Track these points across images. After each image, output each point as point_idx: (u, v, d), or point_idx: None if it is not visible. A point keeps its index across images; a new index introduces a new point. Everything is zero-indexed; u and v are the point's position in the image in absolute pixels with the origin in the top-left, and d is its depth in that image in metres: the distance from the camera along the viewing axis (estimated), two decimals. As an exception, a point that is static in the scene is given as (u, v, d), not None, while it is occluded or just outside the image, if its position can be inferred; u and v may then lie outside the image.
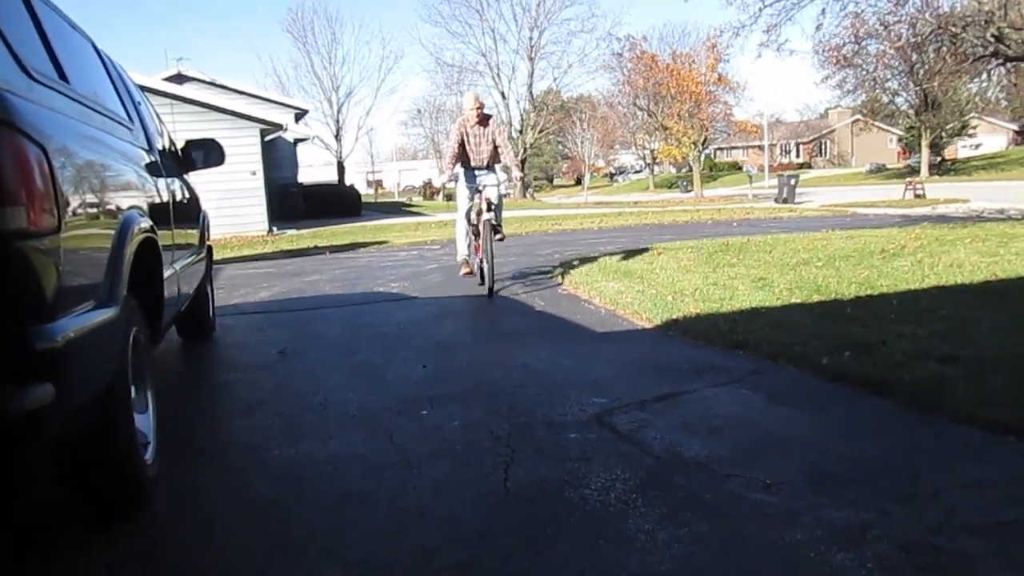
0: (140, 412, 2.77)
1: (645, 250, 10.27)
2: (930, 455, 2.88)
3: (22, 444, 1.87)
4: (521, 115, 48.61)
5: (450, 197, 52.83)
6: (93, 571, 2.30)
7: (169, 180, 4.12)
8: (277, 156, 24.02)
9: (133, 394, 2.62)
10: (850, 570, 2.06)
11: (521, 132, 48.01)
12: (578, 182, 61.44)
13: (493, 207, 7.39)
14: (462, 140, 7.55)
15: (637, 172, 72.31)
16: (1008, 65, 18.40)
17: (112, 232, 2.50)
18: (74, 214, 2.12)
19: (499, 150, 7.72)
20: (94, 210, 2.40)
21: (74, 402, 2.01)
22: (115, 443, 2.38)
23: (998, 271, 6.82)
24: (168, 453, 3.03)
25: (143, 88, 5.15)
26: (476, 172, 7.70)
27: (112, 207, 2.60)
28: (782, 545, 2.22)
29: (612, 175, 77.37)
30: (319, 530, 2.45)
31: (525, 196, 47.88)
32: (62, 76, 2.61)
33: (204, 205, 5.75)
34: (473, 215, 7.65)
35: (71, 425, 2.14)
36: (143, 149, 3.73)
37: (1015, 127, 61.51)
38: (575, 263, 9.28)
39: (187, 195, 4.78)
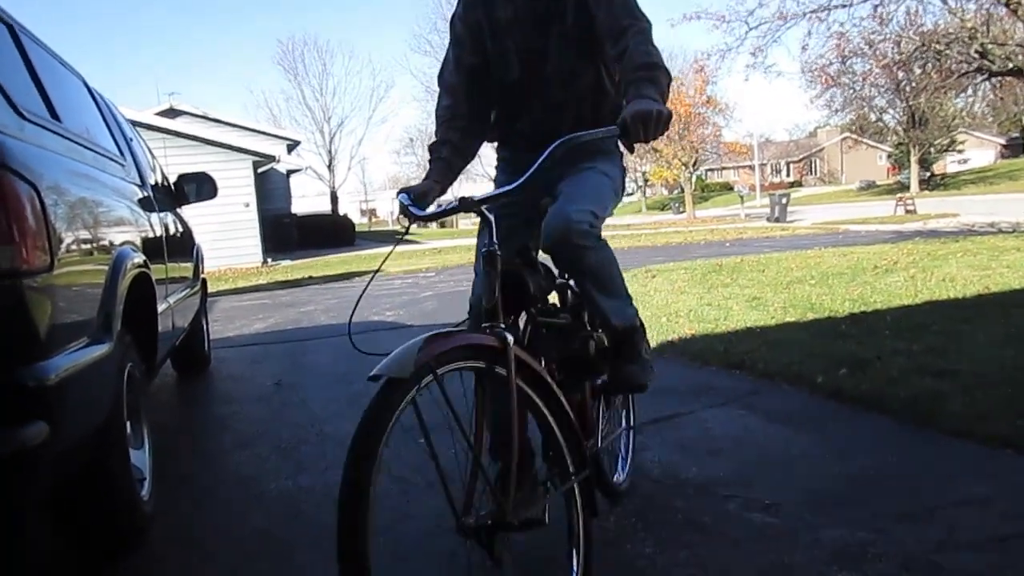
0: (136, 448, 2.76)
1: (638, 272, 10.28)
2: (928, 471, 2.87)
3: (16, 483, 1.86)
4: (513, 141, 48.78)
5: (444, 224, 52.89)
6: (90, 610, 2.28)
7: (162, 214, 4.13)
8: (270, 187, 24.10)
9: (128, 430, 2.61)
10: (851, 589, 2.05)
11: (513, 158, 48.15)
12: (571, 206, 61.53)
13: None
14: (473, 62, 2.43)
15: (629, 195, 72.51)
16: (993, 80, 18.57)
17: (105, 268, 2.50)
18: (67, 251, 2.13)
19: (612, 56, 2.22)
20: (87, 247, 2.40)
21: (68, 440, 2.00)
22: (111, 480, 2.37)
23: (990, 284, 6.85)
24: (165, 489, 3.01)
25: (135, 123, 5.18)
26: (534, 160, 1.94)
27: (105, 243, 2.60)
28: (782, 566, 2.21)
29: (604, 198, 77.54)
30: (317, 563, 2.44)
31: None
32: (53, 115, 2.62)
33: (198, 238, 5.75)
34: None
35: (66, 463, 2.13)
36: (135, 184, 3.74)
37: (1002, 141, 61.98)
38: (569, 287, 9.27)
39: (180, 229, 4.79)
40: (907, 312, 5.85)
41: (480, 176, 54.27)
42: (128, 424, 2.61)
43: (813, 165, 70.07)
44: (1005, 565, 2.14)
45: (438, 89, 2.52)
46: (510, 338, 1.84)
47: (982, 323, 5.13)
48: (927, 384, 3.80)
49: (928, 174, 47.02)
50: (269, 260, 18.52)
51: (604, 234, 2.21)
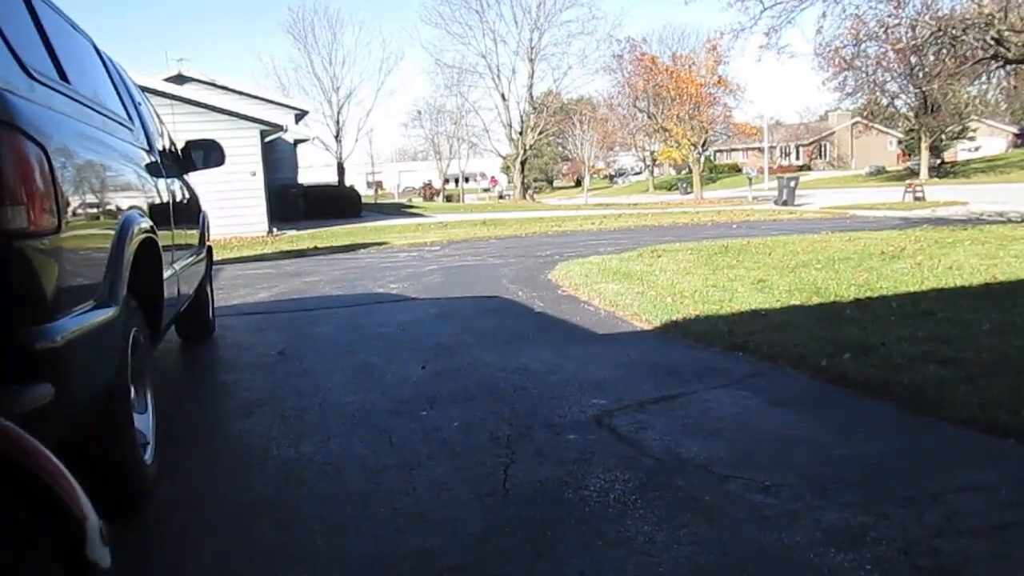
0: (140, 412, 2.77)
1: (644, 252, 10.26)
2: (930, 457, 2.88)
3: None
4: (521, 116, 48.59)
5: (450, 198, 52.84)
6: (92, 571, 2.29)
7: (169, 180, 4.12)
8: (277, 157, 24.01)
9: (132, 394, 2.61)
10: (849, 572, 2.06)
11: (521, 133, 48.01)
12: (578, 184, 61.45)
13: None
14: None
15: (637, 174, 72.29)
16: (1008, 68, 18.42)
17: (112, 232, 2.50)
18: (74, 214, 2.12)
19: None
20: (94, 210, 2.40)
21: (73, 402, 2.01)
22: (114, 443, 2.38)
23: (997, 273, 6.82)
24: (168, 453, 3.03)
25: (143, 88, 5.15)
26: None
27: (112, 207, 2.60)
28: (781, 547, 2.21)
29: (612, 177, 77.36)
30: (319, 531, 2.45)
31: (525, 197, 47.90)
32: (63, 76, 2.61)
33: (204, 205, 5.74)
34: None
35: (70, 425, 2.14)
36: (143, 149, 3.72)
37: (1014, 130, 61.50)
38: (574, 265, 9.27)
39: (187, 195, 4.78)
40: (913, 299, 5.83)
41: (488, 151, 54.29)
42: (132, 389, 2.61)
43: (823, 149, 69.62)
44: (1005, 551, 2.14)
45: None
46: None
47: (988, 312, 5.11)
48: (931, 371, 3.80)
49: (938, 161, 46.76)
50: (275, 230, 18.49)
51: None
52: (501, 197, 51.24)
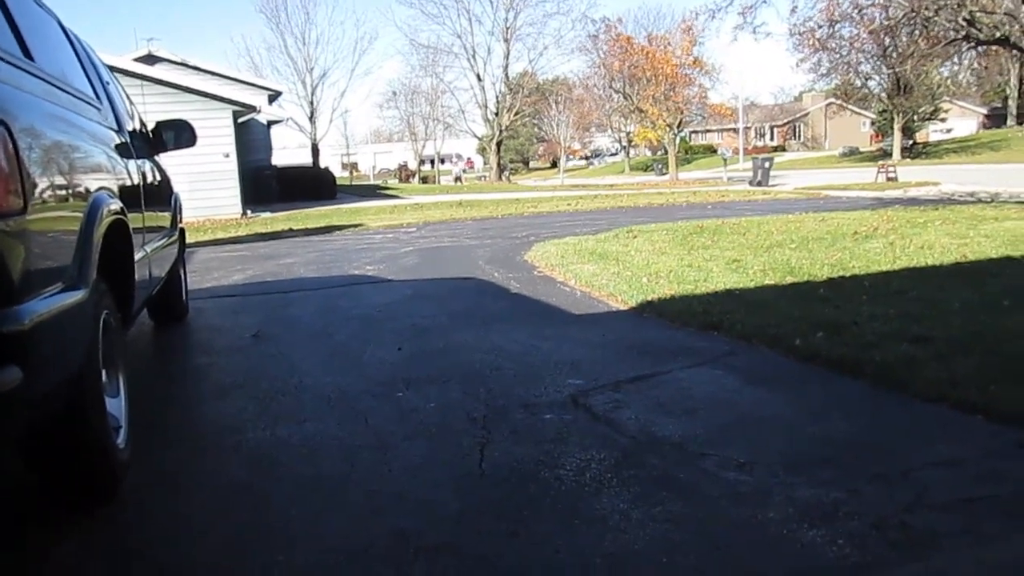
0: (112, 396, 2.74)
1: (620, 232, 10.28)
2: (901, 434, 2.92)
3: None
4: (497, 97, 48.36)
5: (426, 180, 52.40)
6: (64, 558, 2.27)
7: (139, 161, 4.06)
8: (251, 138, 23.75)
9: (104, 378, 2.58)
10: (821, 547, 2.08)
11: (497, 114, 47.79)
12: (554, 165, 61.40)
13: None
14: None
15: (613, 155, 72.28)
16: (979, 49, 18.57)
17: (81, 214, 2.46)
18: (41, 195, 2.08)
19: None
20: (62, 191, 2.35)
21: (42, 386, 1.97)
22: (86, 428, 2.35)
23: (968, 253, 6.91)
24: (140, 437, 3.00)
25: (112, 68, 5.06)
26: None
27: (81, 188, 2.55)
28: (755, 523, 2.24)
29: (588, 158, 77.32)
30: (294, 514, 2.44)
31: (501, 179, 47.76)
32: (26, 54, 2.55)
33: (176, 187, 5.67)
34: None
35: (40, 409, 2.11)
36: (112, 130, 3.66)
37: (985, 111, 62.19)
38: (550, 245, 9.28)
39: (158, 177, 4.71)
40: (885, 278, 5.90)
41: (464, 132, 53.99)
42: (104, 372, 2.58)
43: (797, 130, 69.95)
44: (974, 526, 2.18)
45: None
46: None
47: (958, 291, 5.18)
48: (903, 349, 3.84)
49: (911, 142, 47.24)
50: (249, 212, 18.32)
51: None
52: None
